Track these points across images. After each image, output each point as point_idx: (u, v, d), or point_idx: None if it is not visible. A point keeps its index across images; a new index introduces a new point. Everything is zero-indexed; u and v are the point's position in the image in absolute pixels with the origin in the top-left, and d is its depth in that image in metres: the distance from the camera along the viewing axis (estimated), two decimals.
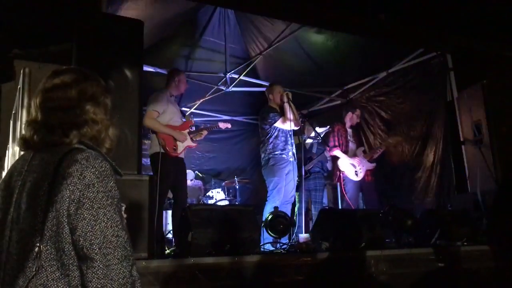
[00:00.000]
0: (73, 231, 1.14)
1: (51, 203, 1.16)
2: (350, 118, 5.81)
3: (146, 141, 4.90)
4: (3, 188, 1.31)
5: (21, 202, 1.22)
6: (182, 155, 4.46)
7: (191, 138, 4.53)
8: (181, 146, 4.36)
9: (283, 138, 4.80)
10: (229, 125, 5.29)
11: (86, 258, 1.13)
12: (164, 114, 4.28)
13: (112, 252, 1.14)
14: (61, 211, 1.15)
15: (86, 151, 1.23)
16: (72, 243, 1.14)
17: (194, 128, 4.73)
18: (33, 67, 3.04)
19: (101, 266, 1.12)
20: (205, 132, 4.74)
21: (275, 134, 4.80)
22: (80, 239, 1.13)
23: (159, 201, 3.95)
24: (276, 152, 4.74)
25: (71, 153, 1.21)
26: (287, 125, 4.77)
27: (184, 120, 4.61)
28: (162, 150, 4.19)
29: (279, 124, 4.77)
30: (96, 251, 1.13)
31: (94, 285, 1.11)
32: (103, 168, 1.20)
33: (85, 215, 1.14)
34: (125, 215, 1.58)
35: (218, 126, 5.18)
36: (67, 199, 1.15)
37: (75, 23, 3.30)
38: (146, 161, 6.26)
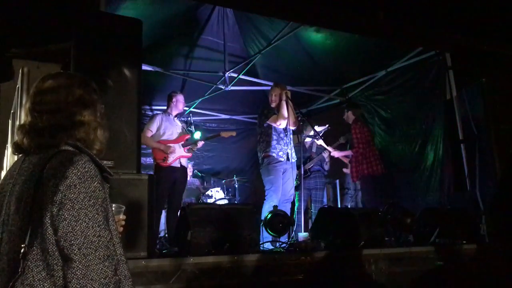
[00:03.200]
0: (56, 232, 1.15)
1: (36, 205, 1.18)
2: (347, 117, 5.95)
3: None
4: None
5: (10, 204, 1.25)
6: (176, 164, 5.00)
7: (188, 149, 5.17)
8: (171, 157, 4.95)
9: (276, 137, 4.78)
10: (233, 133, 5.95)
11: (67, 258, 1.14)
12: (158, 131, 5.01)
13: (93, 252, 1.15)
14: (44, 212, 1.16)
15: (70, 153, 1.24)
16: (56, 243, 1.16)
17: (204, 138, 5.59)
18: (31, 67, 3.05)
19: (80, 266, 1.13)
20: (200, 143, 5.36)
21: (270, 132, 4.79)
22: (61, 239, 1.14)
23: (156, 204, 4.19)
24: (270, 151, 4.74)
25: (56, 156, 1.23)
26: (281, 123, 4.75)
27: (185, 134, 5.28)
28: (155, 162, 4.98)
29: (273, 122, 4.76)
30: (75, 252, 1.13)
31: (74, 286, 1.12)
32: (86, 169, 1.21)
33: (66, 216, 1.15)
34: (124, 217, 1.58)
35: (221, 135, 5.76)
36: (49, 201, 1.16)
37: (74, 23, 3.29)
38: (145, 160, 6.26)
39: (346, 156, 6.15)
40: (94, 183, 1.21)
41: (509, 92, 4.89)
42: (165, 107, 5.42)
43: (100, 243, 1.16)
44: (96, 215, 1.18)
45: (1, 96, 3.80)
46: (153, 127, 4.98)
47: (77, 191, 1.17)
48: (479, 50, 5.18)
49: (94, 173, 1.22)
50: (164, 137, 5.00)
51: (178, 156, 5.01)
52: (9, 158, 3.51)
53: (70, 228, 1.14)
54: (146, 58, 5.42)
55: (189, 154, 5.26)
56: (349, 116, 5.95)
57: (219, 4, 5.33)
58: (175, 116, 5.23)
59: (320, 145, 5.95)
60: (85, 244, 1.14)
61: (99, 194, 1.21)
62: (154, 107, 7.33)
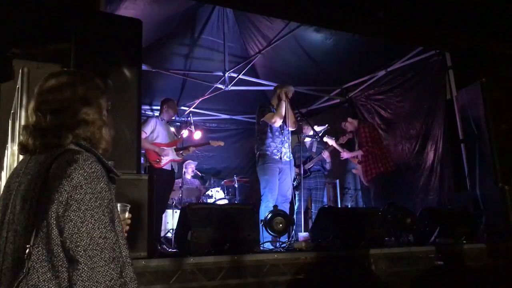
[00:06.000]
0: (61, 232, 1.13)
1: (41, 204, 1.16)
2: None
3: None
4: (5, 190, 1.32)
5: (16, 204, 1.23)
6: (167, 167, 5.11)
7: (179, 154, 5.34)
8: (164, 160, 5.05)
9: (271, 135, 4.77)
10: (221, 143, 6.13)
11: (72, 260, 1.12)
12: (152, 134, 5.10)
13: (99, 254, 1.13)
14: (50, 213, 1.14)
15: (77, 153, 1.22)
16: (61, 245, 1.14)
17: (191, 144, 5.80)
18: (31, 67, 3.04)
19: (85, 268, 1.11)
20: (192, 149, 5.57)
21: (265, 130, 4.79)
22: (67, 241, 1.12)
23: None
24: (265, 150, 4.74)
25: (62, 155, 1.22)
26: (276, 121, 4.74)
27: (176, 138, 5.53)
28: (147, 164, 5.03)
29: (268, 119, 4.76)
30: (81, 253, 1.11)
31: None
32: (93, 170, 1.19)
33: (72, 216, 1.13)
34: (129, 215, 1.57)
35: (210, 144, 6.05)
36: (55, 201, 1.14)
37: (74, 23, 3.29)
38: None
39: (354, 157, 6.10)
40: (100, 183, 1.19)
41: (509, 91, 4.88)
42: None
43: (106, 245, 1.14)
44: (102, 216, 1.16)
45: (1, 96, 3.79)
46: (148, 129, 5.07)
47: (83, 191, 1.15)
48: (479, 49, 5.17)
49: (100, 174, 1.20)
50: (157, 141, 5.11)
51: (170, 159, 5.13)
52: (9, 158, 3.50)
53: (76, 229, 1.12)
54: (146, 58, 5.42)
55: (180, 159, 5.45)
56: (351, 122, 5.92)
57: (219, 4, 5.34)
58: (167, 121, 5.39)
59: (320, 144, 5.94)
60: (91, 246, 1.12)
61: (105, 195, 1.19)
62: (154, 107, 7.33)
